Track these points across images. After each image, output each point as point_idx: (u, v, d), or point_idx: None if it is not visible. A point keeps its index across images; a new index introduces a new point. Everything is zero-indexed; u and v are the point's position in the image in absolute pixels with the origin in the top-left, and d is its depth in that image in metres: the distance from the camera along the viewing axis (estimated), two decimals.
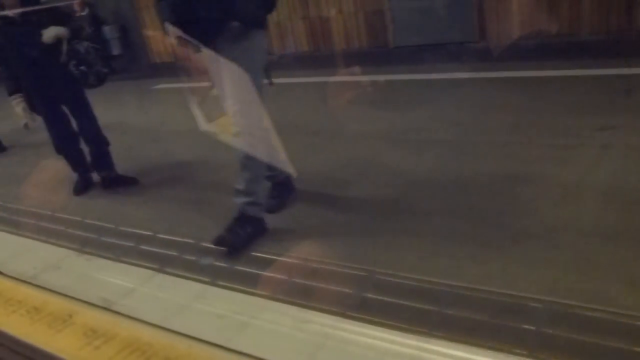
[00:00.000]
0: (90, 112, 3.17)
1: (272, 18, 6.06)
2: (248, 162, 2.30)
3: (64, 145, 3.21)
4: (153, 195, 3.12)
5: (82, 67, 2.93)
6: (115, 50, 7.29)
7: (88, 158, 3.34)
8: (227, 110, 2.28)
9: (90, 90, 3.15)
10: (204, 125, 3.08)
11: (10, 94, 3.09)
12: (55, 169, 3.69)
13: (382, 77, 5.01)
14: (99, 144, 3.22)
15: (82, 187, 3.29)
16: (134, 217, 2.84)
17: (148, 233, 2.58)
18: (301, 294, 1.90)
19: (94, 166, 3.28)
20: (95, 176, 3.36)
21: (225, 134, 3.85)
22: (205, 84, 3.78)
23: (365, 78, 5.04)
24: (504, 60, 4.67)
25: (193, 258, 2.29)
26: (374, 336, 1.67)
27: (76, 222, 2.85)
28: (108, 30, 7.20)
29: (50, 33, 2.87)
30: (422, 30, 5.40)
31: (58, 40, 2.90)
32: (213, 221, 2.62)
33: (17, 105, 3.10)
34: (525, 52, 4.83)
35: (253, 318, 1.81)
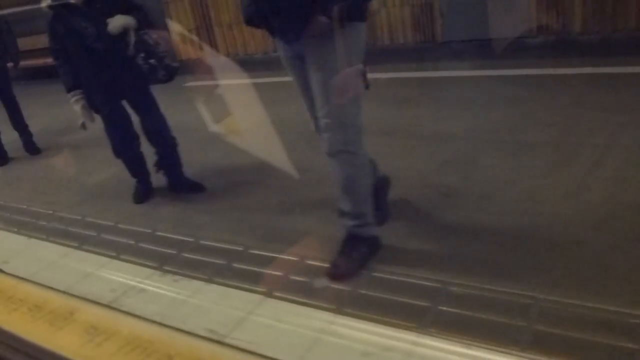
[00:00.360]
0: (158, 109, 2.86)
1: None
2: (351, 184, 1.97)
3: (125, 148, 2.91)
4: (224, 202, 2.82)
5: (152, 61, 2.62)
6: None
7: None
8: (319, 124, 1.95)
9: None
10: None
11: (70, 89, 2.76)
12: (104, 173, 3.40)
13: (435, 74, 4.75)
14: (168, 143, 2.91)
15: (143, 195, 2.99)
16: (211, 228, 2.55)
17: (238, 248, 2.28)
18: (456, 326, 1.62)
19: (162, 168, 2.97)
20: (155, 182, 3.06)
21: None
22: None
23: (417, 74, 4.78)
24: (569, 56, 4.41)
25: (304, 279, 2.00)
26: None
27: (147, 235, 2.56)
28: None
29: (117, 22, 2.56)
30: (475, 25, 5.12)
31: (125, 31, 2.60)
32: (305, 234, 2.33)
33: (77, 103, 2.77)
34: (590, 47, 4.58)
35: (409, 356, 1.53)
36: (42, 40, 4.38)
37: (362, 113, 2.00)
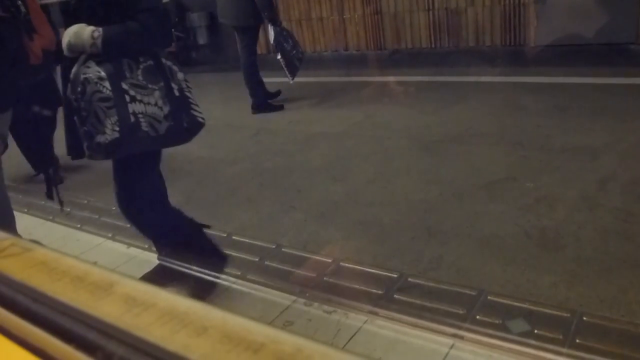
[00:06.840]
0: None
1: (389, 9, 5.44)
2: None
3: None
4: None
5: None
6: (202, 40, 6.77)
7: None
8: None
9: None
10: None
11: None
12: None
13: (533, 79, 4.29)
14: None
15: None
16: None
17: None
18: None
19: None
20: None
21: None
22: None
23: (513, 79, 4.33)
24: None
25: None
26: None
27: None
28: (195, 18, 6.68)
29: None
30: (572, 29, 4.68)
31: None
32: None
33: None
34: None
35: None
36: None
37: None
